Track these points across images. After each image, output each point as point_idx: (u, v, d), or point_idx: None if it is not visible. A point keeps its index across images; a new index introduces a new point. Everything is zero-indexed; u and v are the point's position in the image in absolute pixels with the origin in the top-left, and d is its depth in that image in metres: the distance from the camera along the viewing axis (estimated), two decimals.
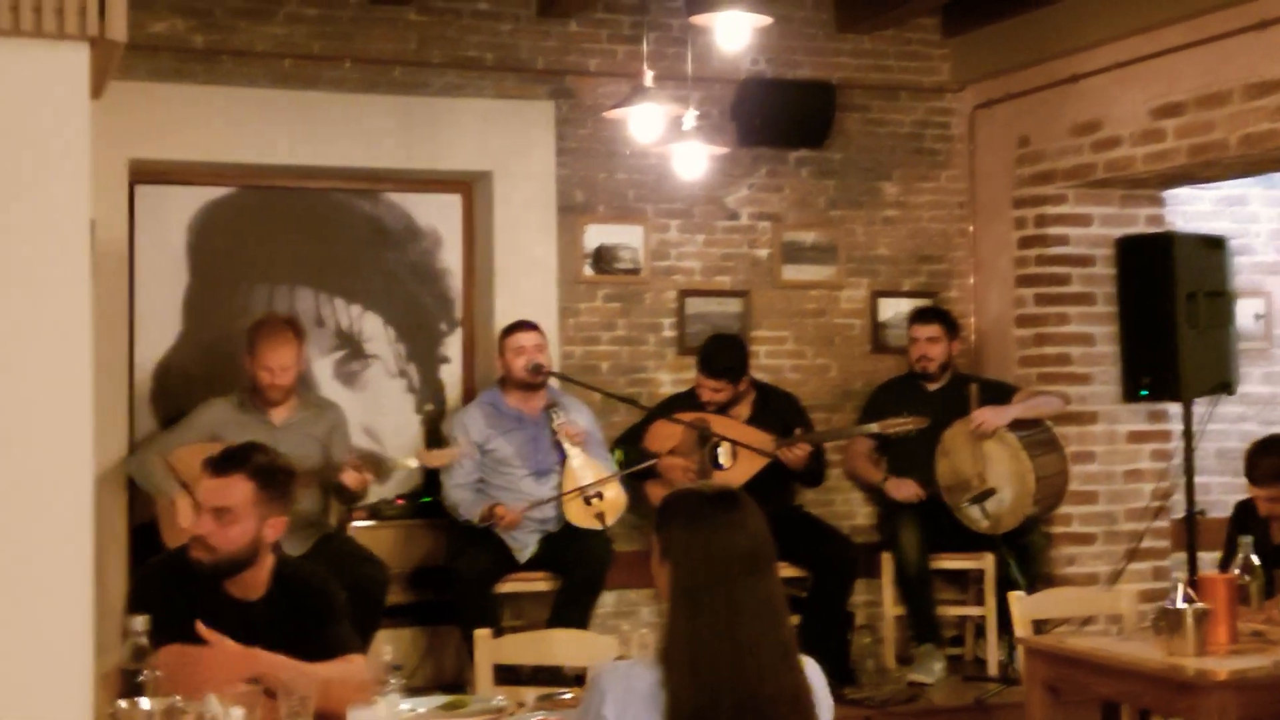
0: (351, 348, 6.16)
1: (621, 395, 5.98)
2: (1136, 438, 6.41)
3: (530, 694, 3.39)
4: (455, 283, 6.29)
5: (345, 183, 6.13)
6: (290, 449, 4.35)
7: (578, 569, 5.48)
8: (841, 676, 5.56)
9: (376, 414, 6.13)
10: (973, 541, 5.94)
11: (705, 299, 6.44)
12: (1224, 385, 6.14)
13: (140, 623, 2.78)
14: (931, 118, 6.78)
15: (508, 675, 3.88)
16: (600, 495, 5.59)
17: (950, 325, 6.28)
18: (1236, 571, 4.06)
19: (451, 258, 6.28)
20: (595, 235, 6.28)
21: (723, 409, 5.91)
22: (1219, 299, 6.08)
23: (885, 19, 6.44)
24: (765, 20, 4.27)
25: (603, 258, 6.30)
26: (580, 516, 5.56)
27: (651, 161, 6.13)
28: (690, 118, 4.83)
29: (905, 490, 6.08)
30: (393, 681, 2.93)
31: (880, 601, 6.18)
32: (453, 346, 6.29)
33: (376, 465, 5.44)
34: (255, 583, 3.24)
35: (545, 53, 6.20)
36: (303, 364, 5.46)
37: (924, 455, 5.99)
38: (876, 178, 6.70)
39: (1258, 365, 6.89)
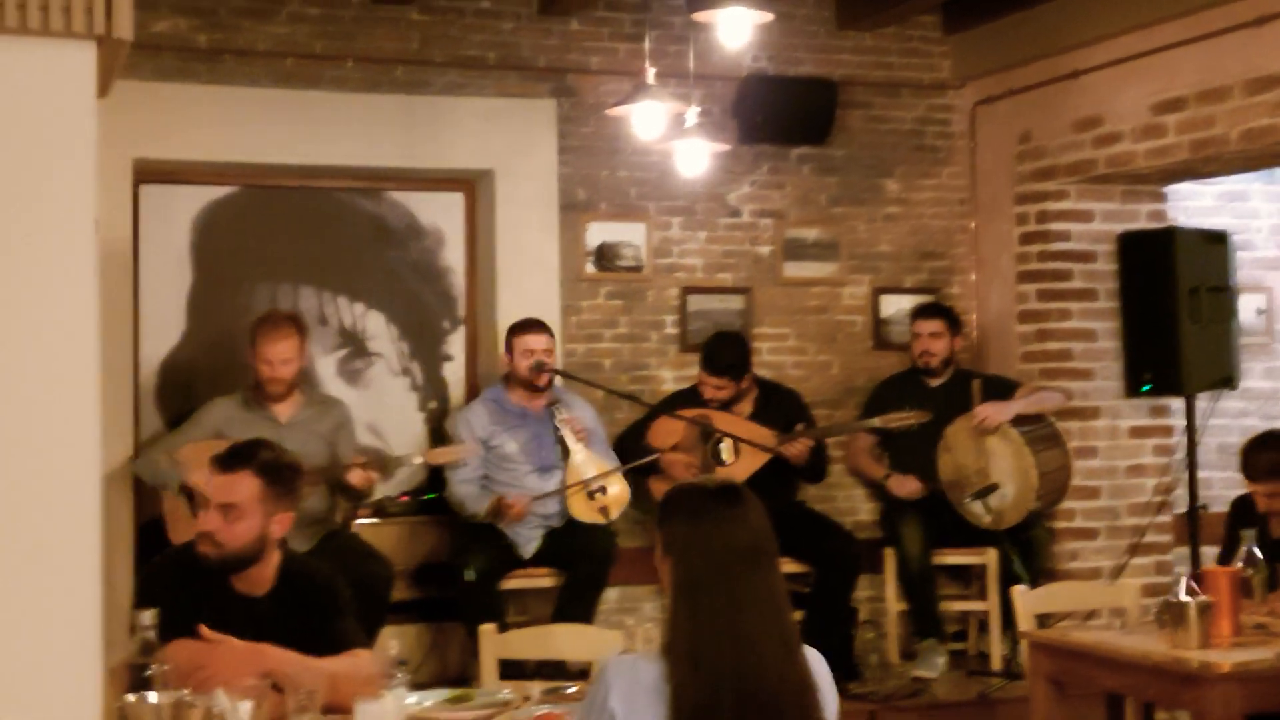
0: (354, 346, 6.18)
1: (624, 392, 5.99)
2: (1139, 433, 6.42)
3: (535, 688, 3.41)
4: (458, 281, 6.30)
5: (348, 181, 6.14)
6: (295, 446, 4.35)
7: (582, 563, 5.49)
8: (845, 672, 5.57)
9: (380, 412, 6.14)
10: (975, 537, 5.95)
11: (707, 296, 6.45)
12: (1226, 380, 6.15)
13: (148, 617, 2.80)
14: (933, 114, 6.79)
15: (512, 671, 3.89)
16: (604, 490, 5.60)
17: (952, 321, 6.29)
18: (1239, 565, 4.07)
19: (454, 256, 6.30)
20: (597, 233, 6.30)
21: (725, 406, 5.93)
22: (1221, 294, 6.09)
23: (886, 16, 6.45)
24: (767, 17, 4.28)
25: (605, 255, 6.31)
26: (584, 511, 5.58)
27: (653, 159, 6.14)
28: (692, 114, 4.85)
29: (907, 487, 6.09)
30: (398, 675, 2.95)
31: (883, 597, 6.20)
32: (455, 344, 6.30)
33: (382, 463, 5.45)
34: (261, 578, 3.25)
35: (547, 51, 6.22)
36: (305, 359, 5.47)
37: (926, 451, 6.00)
38: (878, 174, 6.71)
39: (1259, 360, 6.90)
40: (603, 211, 6.30)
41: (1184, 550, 6.16)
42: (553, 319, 6.00)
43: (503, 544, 5.55)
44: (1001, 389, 6.09)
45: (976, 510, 5.85)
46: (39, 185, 2.77)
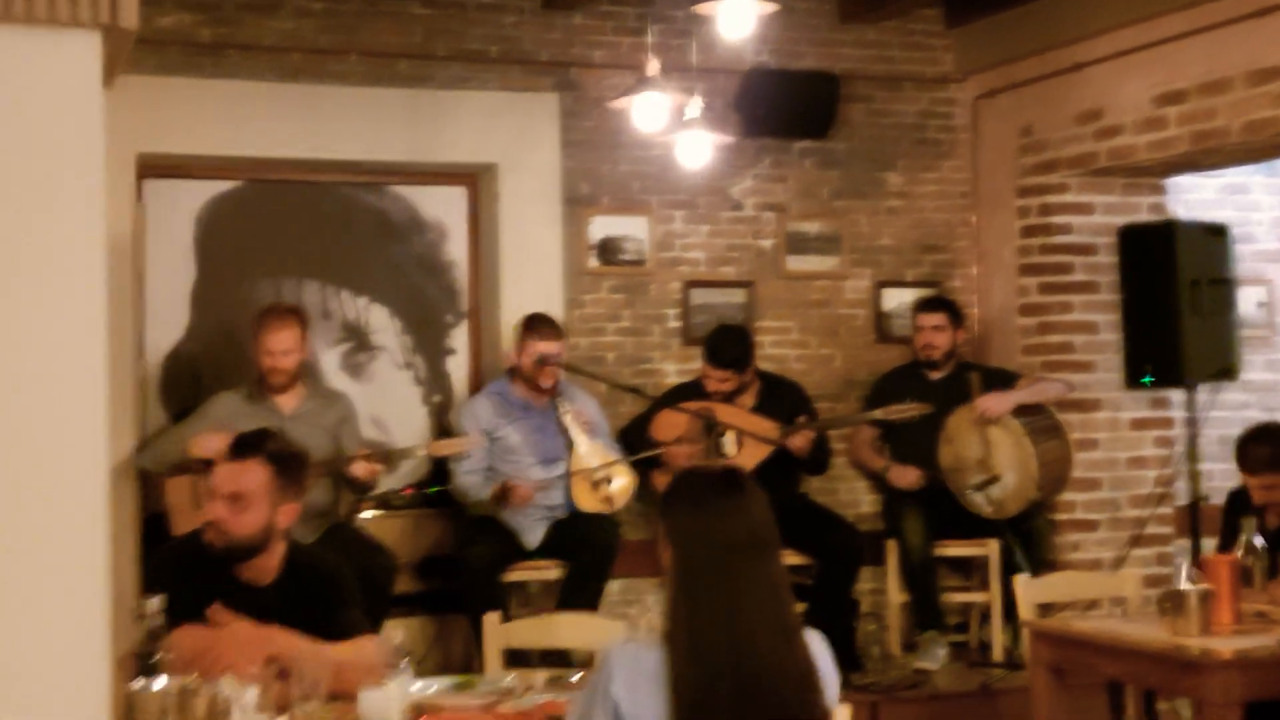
0: (358, 339, 6.20)
1: (627, 385, 6.01)
2: (1139, 425, 6.43)
3: (539, 676, 3.43)
4: (461, 275, 6.32)
5: (351, 176, 6.16)
6: (299, 439, 4.37)
7: (586, 553, 5.50)
8: (847, 663, 5.57)
9: (383, 405, 6.16)
10: (977, 528, 5.97)
11: (710, 290, 6.46)
12: (1226, 371, 6.17)
13: (155, 605, 2.82)
14: (935, 108, 6.80)
15: (516, 662, 3.91)
16: (609, 480, 5.62)
17: (955, 314, 6.30)
18: (1239, 553, 4.09)
19: (457, 250, 6.31)
20: (600, 227, 6.31)
21: (728, 398, 5.94)
22: (1221, 286, 6.10)
23: (888, 10, 6.46)
24: (769, 8, 4.30)
25: (608, 249, 6.33)
26: (588, 501, 5.60)
27: (656, 153, 6.16)
28: (695, 106, 4.86)
29: (907, 478, 6.11)
30: (403, 663, 2.97)
31: (885, 589, 6.22)
32: (459, 338, 6.32)
33: (386, 456, 5.48)
34: (267, 568, 3.28)
35: (550, 45, 6.23)
36: (307, 351, 5.49)
37: (927, 443, 6.02)
38: (880, 168, 6.72)
39: (1260, 353, 6.91)
40: (605, 205, 6.32)
41: (1185, 542, 6.17)
42: (556, 313, 6.01)
43: (506, 535, 5.57)
44: (1002, 381, 6.11)
45: (978, 501, 5.86)
46: (46, 176, 2.79)
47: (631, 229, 6.35)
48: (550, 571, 5.61)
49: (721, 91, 6.31)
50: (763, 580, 2.51)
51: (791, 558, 5.50)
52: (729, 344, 5.96)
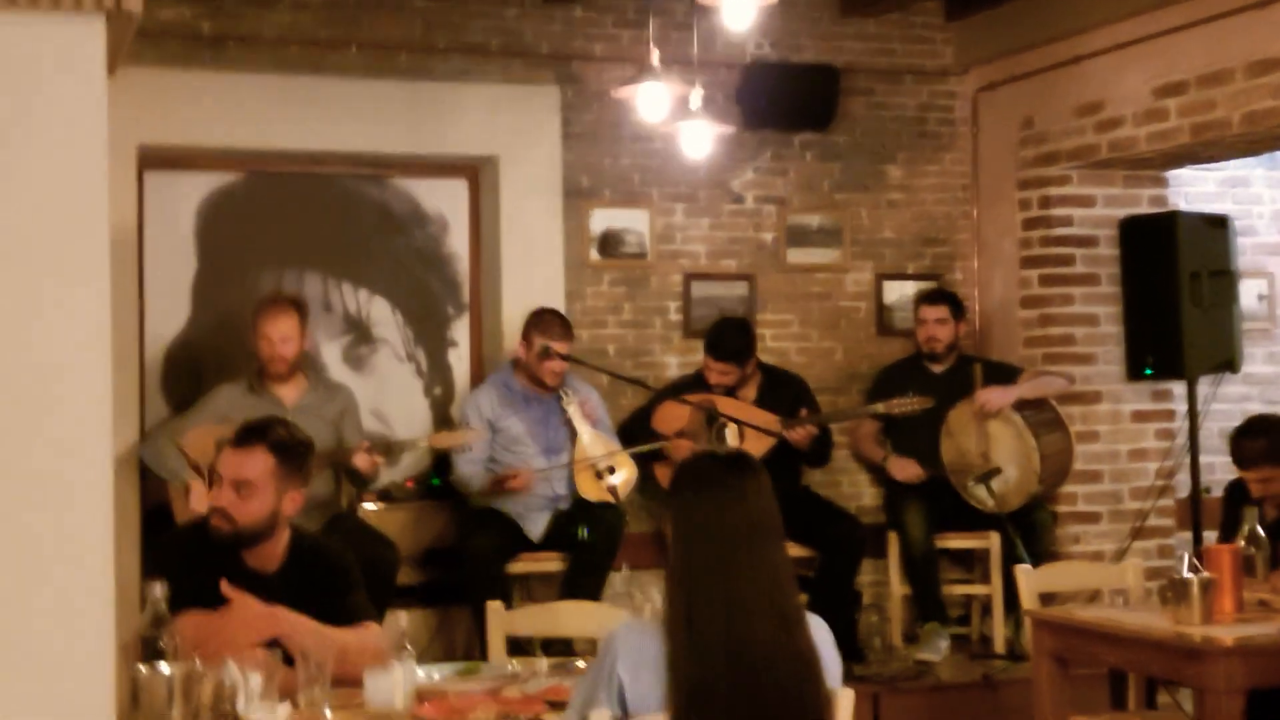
0: (359, 332, 6.20)
1: (629, 377, 6.02)
2: (1140, 417, 6.43)
3: (543, 663, 3.43)
4: (462, 267, 6.32)
5: (352, 168, 6.16)
6: None
7: (590, 540, 5.50)
8: (848, 655, 5.54)
9: (384, 398, 6.16)
10: (978, 521, 5.97)
11: (711, 283, 6.47)
12: (1228, 364, 6.17)
13: (160, 589, 2.83)
14: (935, 101, 6.81)
15: (519, 651, 3.91)
16: (612, 470, 5.63)
17: (957, 307, 6.31)
18: (1242, 543, 4.09)
19: (458, 242, 6.32)
20: (601, 219, 6.31)
21: (729, 391, 5.95)
22: (1222, 278, 6.10)
23: (889, 2, 6.47)
24: (771, 0, 4.29)
25: (609, 242, 6.33)
26: (592, 490, 5.60)
27: (657, 146, 6.16)
28: (696, 97, 4.86)
29: (907, 470, 6.11)
30: (408, 648, 2.97)
31: (887, 581, 6.23)
32: (460, 331, 6.33)
33: (387, 448, 5.48)
34: (272, 555, 3.28)
35: (550, 38, 6.23)
36: (305, 341, 5.50)
37: (929, 436, 6.02)
38: (881, 161, 6.72)
39: (1261, 345, 6.91)
40: (607, 198, 6.32)
41: (1186, 534, 6.18)
42: (557, 305, 6.02)
43: (509, 526, 5.57)
44: (1004, 374, 6.11)
45: (980, 494, 5.86)
46: (49, 162, 2.78)
47: (632, 222, 6.35)
48: (553, 563, 5.61)
49: (722, 84, 6.31)
50: (764, 566, 2.52)
51: (793, 550, 5.44)
52: (730, 337, 5.96)
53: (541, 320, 5.68)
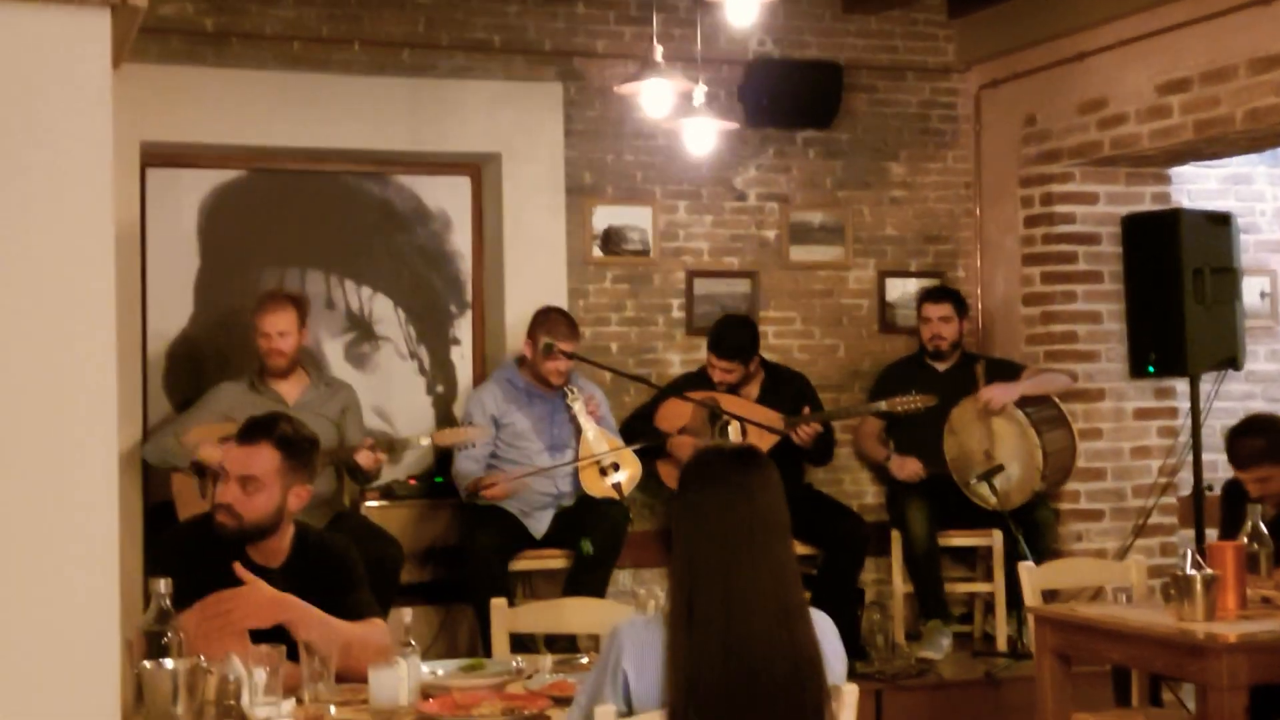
0: (362, 330, 6.20)
1: (632, 374, 6.02)
2: (1143, 414, 6.43)
3: (547, 659, 3.43)
4: (465, 265, 6.32)
5: (354, 165, 6.16)
6: None
7: (594, 536, 5.49)
8: (851, 652, 5.54)
9: (387, 396, 6.16)
10: (981, 518, 5.97)
11: (713, 280, 6.46)
12: (1230, 361, 6.16)
13: (164, 586, 2.83)
14: (938, 98, 6.80)
15: (523, 648, 3.91)
16: (616, 466, 5.63)
17: (960, 304, 6.31)
18: (1245, 539, 4.09)
19: (461, 240, 6.32)
20: (604, 217, 6.31)
21: (733, 389, 5.95)
22: (1225, 275, 6.09)
23: None
24: None
25: (611, 239, 6.33)
26: (597, 487, 5.60)
27: (659, 143, 6.16)
28: (699, 93, 4.86)
29: (907, 469, 6.11)
30: (412, 643, 2.97)
31: (889, 579, 6.23)
32: (463, 328, 6.33)
33: (390, 445, 5.49)
34: (277, 550, 3.28)
35: (553, 34, 6.23)
36: (304, 337, 5.50)
37: (931, 434, 6.02)
38: (883, 158, 6.72)
39: (1263, 343, 6.91)
40: (609, 195, 6.32)
41: (1189, 532, 6.17)
42: (560, 302, 6.02)
43: (513, 524, 5.57)
44: (1006, 372, 6.11)
45: (983, 492, 5.86)
46: (54, 155, 2.77)
47: (635, 219, 6.35)
48: (556, 560, 5.61)
49: (725, 81, 6.31)
50: (768, 562, 2.51)
51: (797, 548, 5.46)
52: (734, 334, 5.96)
53: (547, 319, 5.68)
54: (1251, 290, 6.71)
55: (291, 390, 5.45)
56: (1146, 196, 6.41)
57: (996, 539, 5.97)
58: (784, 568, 2.55)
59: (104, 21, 2.66)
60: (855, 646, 5.72)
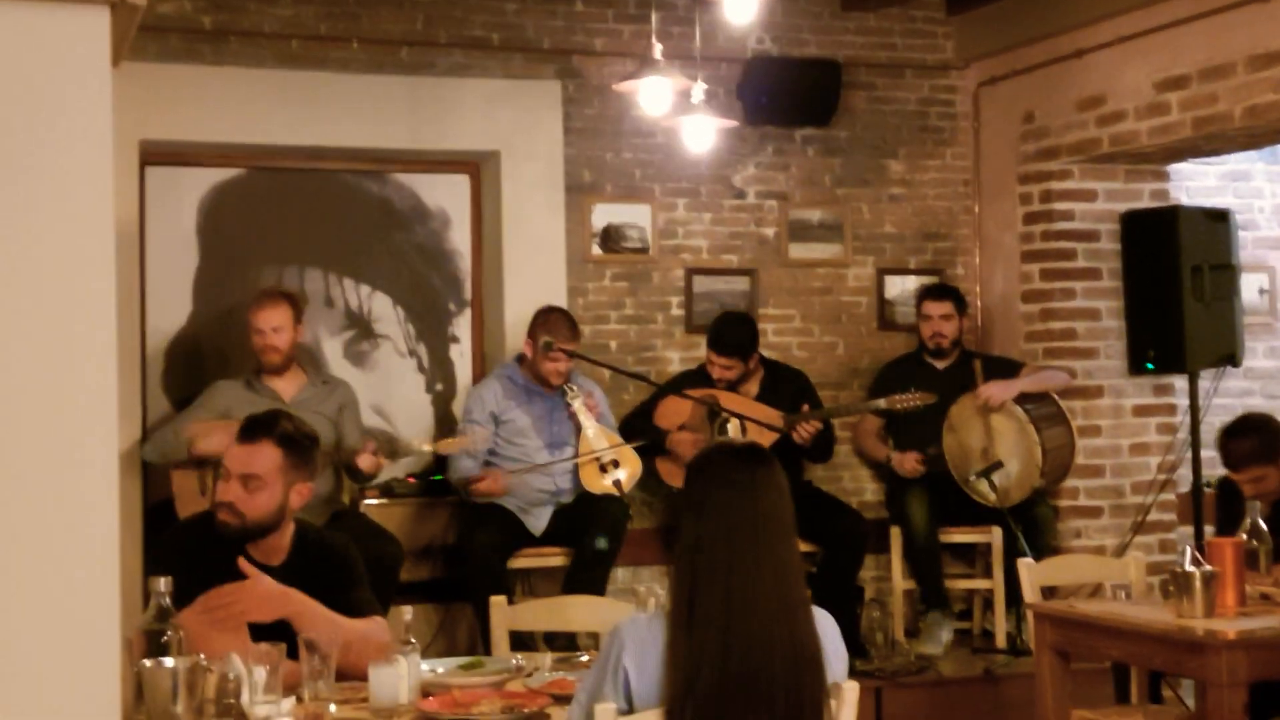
0: (361, 328, 6.20)
1: (632, 372, 6.02)
2: (1142, 411, 6.43)
3: (547, 657, 3.43)
4: (464, 263, 6.32)
5: (353, 163, 6.16)
6: None
7: (594, 533, 5.49)
8: (851, 650, 5.53)
9: (386, 394, 6.17)
10: (980, 515, 5.98)
11: (713, 277, 6.47)
12: (1229, 358, 6.17)
13: (164, 584, 2.83)
14: (936, 95, 6.81)
15: (521, 647, 3.91)
16: (616, 464, 5.63)
17: (960, 302, 6.32)
18: (1244, 536, 4.09)
19: (460, 238, 6.32)
20: (603, 214, 6.31)
21: (732, 386, 5.95)
22: (1224, 272, 6.09)
23: None
24: None
25: (610, 237, 6.33)
26: (596, 484, 5.60)
27: (658, 141, 6.17)
28: (698, 91, 4.86)
29: (907, 463, 6.11)
30: (412, 641, 2.97)
31: (889, 576, 6.23)
32: (462, 326, 6.33)
33: (392, 450, 5.49)
34: (277, 548, 3.28)
35: (551, 32, 6.23)
36: (300, 333, 5.50)
37: (931, 431, 6.02)
38: (882, 155, 6.72)
39: (1262, 340, 6.92)
40: (608, 193, 6.32)
41: (1187, 529, 6.18)
42: (559, 301, 6.02)
43: (511, 522, 5.57)
44: (1005, 369, 6.12)
45: (982, 488, 5.87)
46: (54, 154, 2.77)
47: (634, 217, 6.35)
48: (555, 558, 5.61)
49: (724, 79, 6.31)
50: (770, 560, 2.51)
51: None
52: (733, 332, 5.97)
53: (548, 319, 5.68)
54: (1250, 287, 6.72)
55: (288, 388, 5.45)
56: (1145, 193, 6.41)
57: (996, 536, 5.98)
58: (787, 567, 2.55)
59: (103, 20, 2.66)
60: (855, 644, 5.73)
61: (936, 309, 6.25)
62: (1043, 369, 6.20)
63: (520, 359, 5.77)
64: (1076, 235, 6.38)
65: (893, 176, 6.74)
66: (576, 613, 3.83)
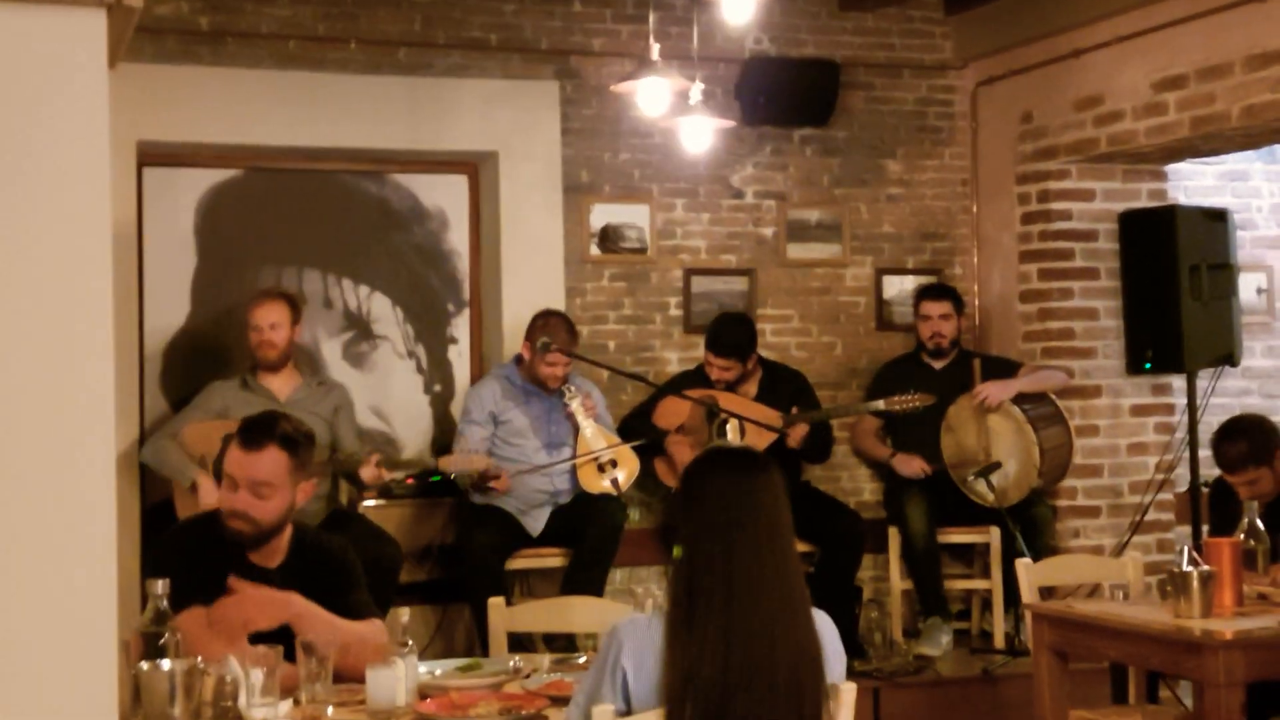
0: (360, 329, 6.20)
1: (630, 372, 6.02)
2: (1140, 411, 6.44)
3: (545, 658, 3.43)
4: (462, 263, 6.32)
5: (351, 164, 6.16)
6: None
7: (592, 534, 5.49)
8: (849, 650, 5.54)
9: (385, 395, 6.17)
10: (978, 515, 5.98)
11: (711, 278, 6.47)
12: (1227, 357, 6.17)
13: (161, 586, 2.83)
14: (934, 95, 6.81)
15: (520, 648, 3.91)
16: (614, 463, 5.63)
17: (958, 302, 6.32)
18: (1241, 536, 4.09)
19: (458, 238, 6.31)
20: (601, 215, 6.31)
21: (730, 387, 5.95)
22: (1222, 271, 6.10)
23: None
24: None
25: (609, 237, 6.33)
26: (594, 484, 5.60)
27: (656, 141, 6.17)
28: (696, 92, 4.86)
29: (911, 466, 6.11)
30: (410, 643, 2.97)
31: (887, 576, 6.24)
32: (460, 327, 6.32)
33: (394, 465, 5.51)
34: (275, 550, 3.27)
35: (549, 33, 6.23)
36: (297, 332, 5.50)
37: (930, 432, 6.03)
38: (880, 155, 6.72)
39: (1260, 339, 6.92)
40: (606, 193, 6.32)
41: (1185, 528, 6.18)
42: (557, 301, 6.02)
43: (509, 523, 5.57)
44: (1003, 369, 6.13)
45: (980, 488, 5.87)
46: (50, 157, 2.77)
47: (632, 217, 6.35)
48: (553, 559, 5.61)
49: (721, 79, 6.32)
50: (769, 563, 2.51)
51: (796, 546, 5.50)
52: (732, 332, 5.97)
53: (547, 323, 5.67)
54: (1248, 286, 6.72)
55: (283, 387, 5.45)
56: (1143, 193, 6.42)
57: (994, 536, 5.98)
58: (786, 569, 2.55)
59: (100, 21, 2.66)
60: (853, 644, 5.73)
61: (935, 309, 6.25)
62: (1041, 369, 6.20)
63: (518, 360, 5.77)
64: (1074, 235, 6.38)
65: (891, 176, 6.74)
66: (575, 613, 3.83)
